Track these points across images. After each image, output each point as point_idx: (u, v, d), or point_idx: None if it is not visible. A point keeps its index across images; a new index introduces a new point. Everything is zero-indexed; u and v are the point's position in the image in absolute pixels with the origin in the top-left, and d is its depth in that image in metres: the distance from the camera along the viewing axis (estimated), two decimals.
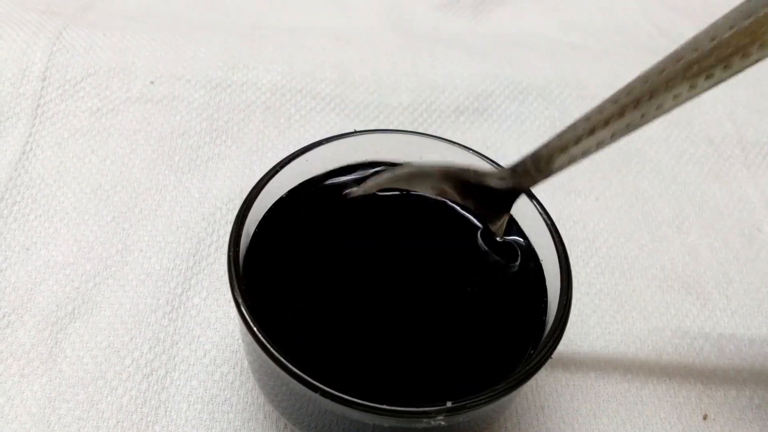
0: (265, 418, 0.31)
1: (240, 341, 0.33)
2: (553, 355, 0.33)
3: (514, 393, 0.23)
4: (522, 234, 0.29)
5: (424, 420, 0.22)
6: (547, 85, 0.48)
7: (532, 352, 0.25)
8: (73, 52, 0.44)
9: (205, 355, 0.33)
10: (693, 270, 0.39)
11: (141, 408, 0.31)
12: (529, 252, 0.29)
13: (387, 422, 0.23)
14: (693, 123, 0.47)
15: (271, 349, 0.22)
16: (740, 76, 0.52)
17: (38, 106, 0.41)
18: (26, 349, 0.32)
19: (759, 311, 0.38)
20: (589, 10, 0.59)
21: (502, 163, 0.30)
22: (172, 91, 0.43)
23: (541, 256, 0.28)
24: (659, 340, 0.36)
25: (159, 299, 0.34)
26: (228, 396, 0.32)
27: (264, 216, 0.29)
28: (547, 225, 0.27)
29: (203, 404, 0.31)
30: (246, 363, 0.33)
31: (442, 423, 0.23)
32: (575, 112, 0.47)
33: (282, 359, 0.22)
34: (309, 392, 0.22)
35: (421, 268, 0.28)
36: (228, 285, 0.24)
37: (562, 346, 0.35)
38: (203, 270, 0.36)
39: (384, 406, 0.22)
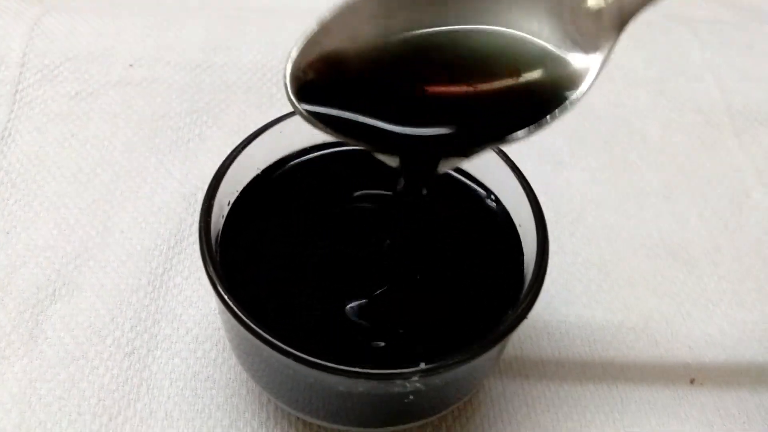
0: (248, 393, 0.31)
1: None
2: (540, 324, 0.33)
3: (490, 353, 0.23)
4: (498, 201, 0.29)
5: (398, 382, 0.22)
6: None
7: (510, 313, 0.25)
8: (52, 38, 0.44)
9: (187, 333, 0.33)
10: (681, 237, 0.39)
11: (123, 386, 0.31)
12: (504, 216, 0.28)
13: (362, 386, 0.23)
14: (681, 92, 0.46)
15: (241, 315, 0.22)
16: (728, 44, 0.51)
17: (17, 91, 0.41)
18: (7, 331, 0.32)
19: (747, 276, 0.37)
20: None
21: None
22: (152, 73, 0.43)
23: (518, 221, 0.28)
24: (646, 306, 0.35)
25: (140, 279, 0.34)
26: (211, 373, 0.32)
27: (241, 190, 0.29)
28: (522, 185, 0.27)
29: (186, 381, 0.31)
30: (228, 340, 0.32)
31: (419, 386, 0.23)
32: None
33: (252, 325, 0.22)
34: (283, 359, 0.22)
35: (399, 235, 0.28)
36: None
37: (548, 315, 0.35)
38: (185, 250, 0.36)
39: (356, 369, 0.21)
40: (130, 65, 0.43)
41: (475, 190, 0.30)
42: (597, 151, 0.43)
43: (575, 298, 0.36)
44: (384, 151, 0.22)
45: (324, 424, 0.28)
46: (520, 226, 0.28)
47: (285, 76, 0.21)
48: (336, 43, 0.21)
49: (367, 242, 0.28)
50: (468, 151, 0.22)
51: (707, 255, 0.38)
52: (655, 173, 0.42)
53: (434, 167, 0.22)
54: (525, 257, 0.27)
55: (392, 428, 0.28)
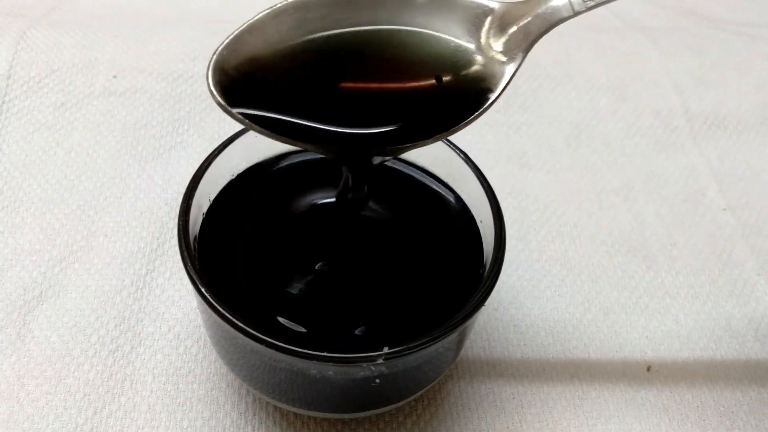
0: (228, 386, 0.33)
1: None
2: (506, 318, 0.35)
3: (450, 338, 0.25)
4: (460, 199, 0.31)
5: (364, 365, 0.24)
6: None
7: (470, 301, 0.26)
8: (37, 50, 0.45)
9: (169, 330, 0.34)
10: (639, 234, 0.41)
11: (107, 381, 0.32)
12: (465, 214, 0.30)
13: (330, 369, 0.24)
14: (640, 96, 0.49)
15: (218, 307, 0.24)
16: (685, 51, 0.54)
17: (3, 102, 0.42)
18: None
19: (702, 270, 0.39)
20: None
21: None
22: (135, 84, 0.45)
23: (479, 218, 0.30)
24: (606, 300, 0.37)
25: (124, 280, 0.36)
26: (192, 368, 0.33)
27: (218, 192, 0.30)
28: (482, 184, 0.29)
29: (168, 376, 0.33)
30: (208, 337, 0.34)
31: (383, 369, 0.24)
32: (528, 90, 0.49)
33: (229, 316, 0.24)
34: (258, 346, 0.24)
35: (366, 231, 0.30)
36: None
37: (514, 309, 0.37)
38: (167, 252, 0.37)
39: (325, 354, 0.23)
40: (114, 76, 0.45)
41: (439, 189, 0.32)
42: (560, 153, 0.45)
43: (540, 293, 0.38)
44: (317, 148, 0.24)
45: (300, 411, 0.30)
46: (480, 222, 0.30)
47: (208, 77, 0.23)
48: (261, 45, 0.23)
49: (334, 239, 0.29)
50: (396, 150, 0.24)
51: (664, 251, 0.40)
52: (616, 174, 0.44)
53: (367, 161, 0.24)
54: (485, 250, 0.29)
55: (364, 413, 0.30)
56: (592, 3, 0.23)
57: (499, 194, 0.29)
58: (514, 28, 0.24)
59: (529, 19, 0.24)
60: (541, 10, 0.23)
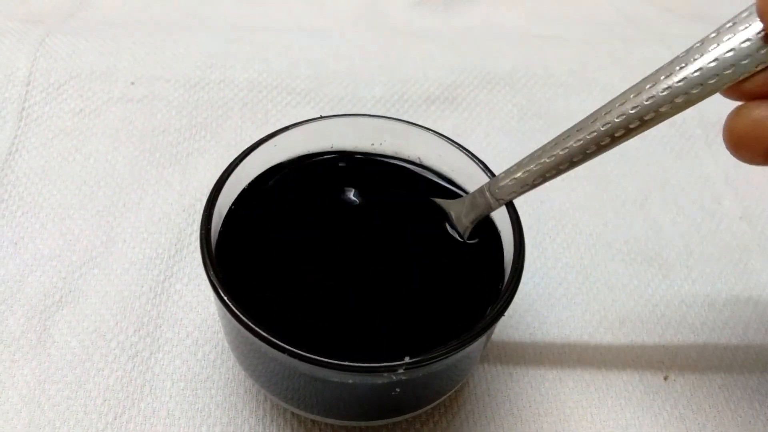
0: (246, 392, 0.33)
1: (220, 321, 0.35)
2: (522, 326, 0.35)
3: (470, 348, 0.25)
4: None
5: (385, 374, 0.24)
6: (515, 73, 0.50)
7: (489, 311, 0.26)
8: (56, 57, 0.46)
9: (187, 336, 0.34)
10: (655, 243, 0.41)
11: (126, 387, 0.32)
12: (488, 225, 0.30)
13: (351, 378, 0.24)
14: None
15: (241, 315, 0.24)
16: None
17: (23, 109, 0.43)
18: (16, 336, 0.33)
19: (719, 279, 0.39)
20: (558, 1, 0.61)
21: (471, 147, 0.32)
22: (153, 90, 0.45)
23: (499, 227, 0.30)
24: (622, 308, 0.37)
25: (143, 286, 0.36)
26: (210, 374, 0.33)
27: (236, 198, 0.31)
28: None
29: (186, 382, 0.33)
30: (226, 342, 0.34)
31: (403, 378, 0.24)
32: (542, 99, 0.49)
33: (251, 324, 0.24)
34: (279, 354, 0.24)
35: (386, 239, 0.30)
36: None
37: (530, 317, 0.37)
38: (185, 258, 0.37)
39: (346, 363, 0.23)
40: (131, 83, 0.45)
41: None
42: None
43: (555, 301, 0.38)
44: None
45: (317, 418, 0.30)
46: (501, 231, 0.30)
47: None
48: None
49: (358, 245, 0.30)
50: None
51: (680, 259, 0.40)
52: (631, 182, 0.44)
53: None
54: (505, 260, 0.29)
55: (381, 422, 0.30)
56: (503, 201, 0.29)
57: (515, 201, 0.29)
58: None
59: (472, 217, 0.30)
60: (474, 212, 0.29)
